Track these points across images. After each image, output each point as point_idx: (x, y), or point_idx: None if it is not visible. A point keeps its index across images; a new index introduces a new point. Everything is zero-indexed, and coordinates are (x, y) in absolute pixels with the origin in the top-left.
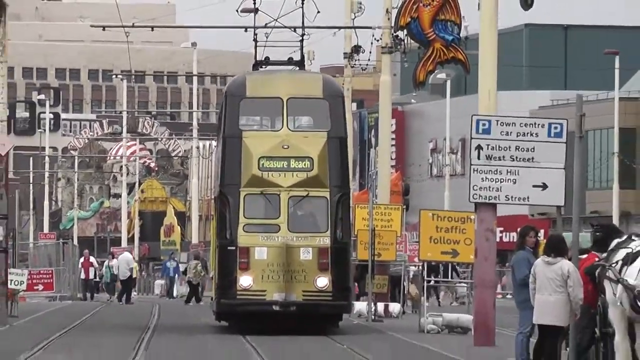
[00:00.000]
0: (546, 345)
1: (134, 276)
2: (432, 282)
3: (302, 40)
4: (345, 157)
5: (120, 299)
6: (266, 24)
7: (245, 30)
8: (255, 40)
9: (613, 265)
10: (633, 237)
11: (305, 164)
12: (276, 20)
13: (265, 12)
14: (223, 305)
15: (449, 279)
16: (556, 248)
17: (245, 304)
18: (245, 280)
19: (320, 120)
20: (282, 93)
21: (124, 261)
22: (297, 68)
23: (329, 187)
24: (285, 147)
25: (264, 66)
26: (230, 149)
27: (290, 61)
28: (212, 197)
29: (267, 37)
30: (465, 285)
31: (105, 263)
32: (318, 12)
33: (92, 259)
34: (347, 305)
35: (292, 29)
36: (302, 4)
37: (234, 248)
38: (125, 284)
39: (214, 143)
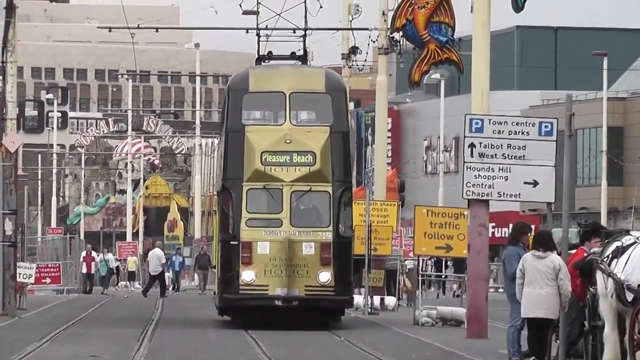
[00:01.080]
0: (538, 337)
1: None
2: (425, 277)
3: (304, 36)
4: (348, 151)
5: (146, 293)
6: (266, 26)
7: (247, 32)
8: (258, 35)
9: (604, 259)
10: (631, 232)
11: (307, 159)
12: (279, 15)
13: (268, 6)
14: (226, 299)
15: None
16: (544, 244)
17: (247, 298)
18: (247, 275)
19: (322, 114)
20: (284, 87)
21: (155, 257)
22: (300, 63)
23: (332, 182)
24: (288, 141)
25: (267, 61)
26: (232, 143)
27: (293, 56)
28: (215, 192)
29: (267, 38)
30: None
31: (100, 257)
32: (320, 7)
33: (93, 253)
34: (349, 299)
35: (293, 30)
36: (305, 1)
37: (236, 243)
38: (159, 279)
39: (216, 141)
